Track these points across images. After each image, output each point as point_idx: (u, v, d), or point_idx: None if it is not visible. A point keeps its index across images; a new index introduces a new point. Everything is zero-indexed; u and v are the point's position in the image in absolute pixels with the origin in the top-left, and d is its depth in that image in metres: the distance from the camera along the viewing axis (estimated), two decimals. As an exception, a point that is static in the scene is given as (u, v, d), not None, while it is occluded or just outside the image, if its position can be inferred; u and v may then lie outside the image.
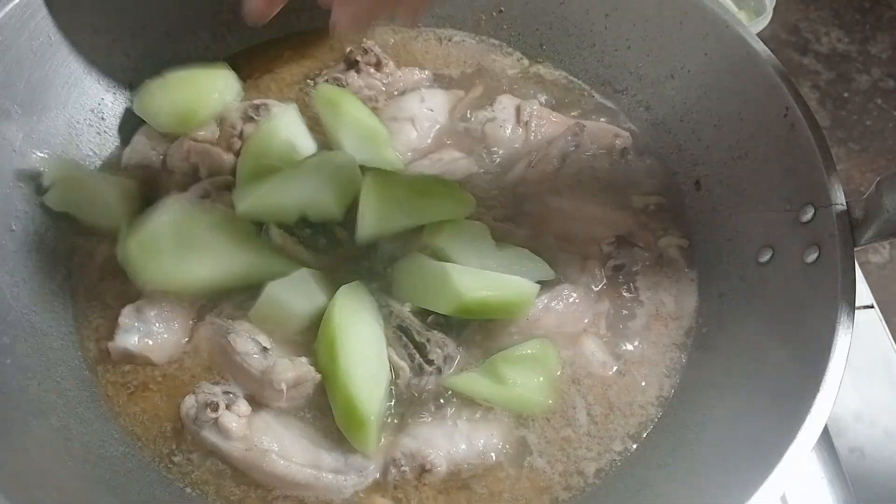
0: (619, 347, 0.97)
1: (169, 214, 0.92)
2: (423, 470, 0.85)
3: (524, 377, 0.90)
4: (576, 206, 1.06)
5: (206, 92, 1.11)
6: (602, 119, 1.18)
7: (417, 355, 0.89)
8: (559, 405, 0.92)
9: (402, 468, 0.85)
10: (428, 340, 0.89)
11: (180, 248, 0.91)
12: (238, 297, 0.94)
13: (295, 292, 0.91)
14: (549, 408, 0.92)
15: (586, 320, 0.98)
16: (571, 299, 0.97)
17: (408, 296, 0.94)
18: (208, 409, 0.83)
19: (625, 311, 0.99)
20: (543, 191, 1.07)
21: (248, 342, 0.88)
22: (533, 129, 1.11)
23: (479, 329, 0.94)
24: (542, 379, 0.92)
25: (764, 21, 1.66)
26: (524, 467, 0.88)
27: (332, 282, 0.94)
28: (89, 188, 1.00)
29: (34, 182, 0.99)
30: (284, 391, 0.85)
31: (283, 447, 0.84)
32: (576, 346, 0.96)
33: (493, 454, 0.88)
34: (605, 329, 0.98)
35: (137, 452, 0.88)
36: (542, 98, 1.19)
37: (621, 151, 1.11)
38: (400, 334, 0.91)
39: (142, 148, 1.08)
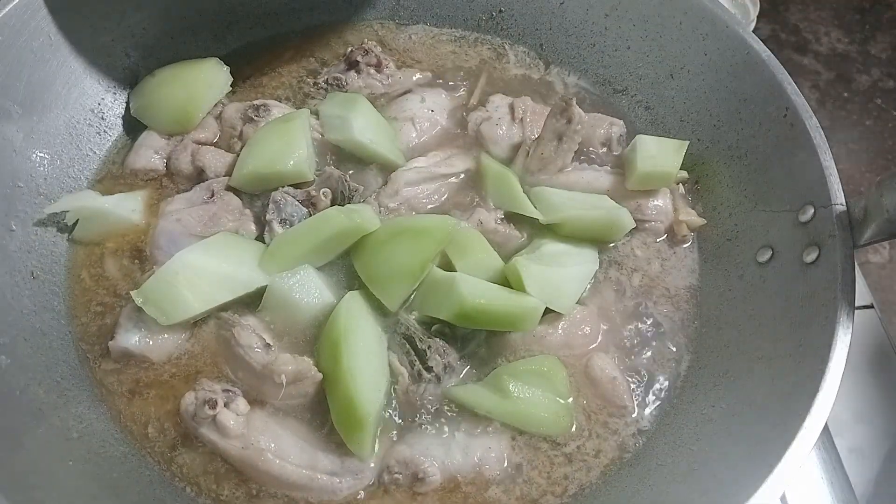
0: (624, 358, 0.96)
1: (177, 259, 0.91)
2: (416, 478, 0.84)
3: (529, 392, 0.89)
4: (580, 175, 1.06)
5: (198, 87, 1.11)
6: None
7: (417, 362, 0.89)
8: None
9: (396, 475, 0.85)
10: (429, 347, 0.89)
11: (192, 281, 0.90)
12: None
13: (300, 286, 0.92)
14: (565, 429, 0.90)
15: (595, 342, 0.96)
16: (579, 318, 0.96)
17: (414, 303, 0.94)
18: (206, 406, 0.83)
19: (629, 324, 0.98)
20: (551, 174, 1.07)
21: (252, 336, 0.88)
22: (528, 124, 1.11)
23: (484, 343, 0.94)
24: (553, 398, 0.90)
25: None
26: (520, 476, 0.88)
27: (344, 284, 0.96)
28: (108, 213, 1.02)
29: (58, 223, 1.01)
30: (284, 384, 0.85)
31: (279, 447, 0.84)
32: (583, 362, 0.94)
33: (488, 466, 0.87)
34: (610, 342, 0.97)
35: (137, 452, 0.88)
36: (542, 97, 1.19)
37: (618, 139, 1.11)
38: (404, 342, 0.91)
39: (144, 153, 1.08)
